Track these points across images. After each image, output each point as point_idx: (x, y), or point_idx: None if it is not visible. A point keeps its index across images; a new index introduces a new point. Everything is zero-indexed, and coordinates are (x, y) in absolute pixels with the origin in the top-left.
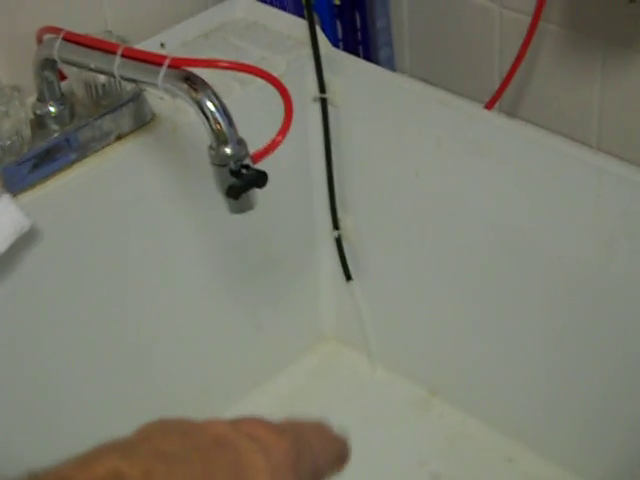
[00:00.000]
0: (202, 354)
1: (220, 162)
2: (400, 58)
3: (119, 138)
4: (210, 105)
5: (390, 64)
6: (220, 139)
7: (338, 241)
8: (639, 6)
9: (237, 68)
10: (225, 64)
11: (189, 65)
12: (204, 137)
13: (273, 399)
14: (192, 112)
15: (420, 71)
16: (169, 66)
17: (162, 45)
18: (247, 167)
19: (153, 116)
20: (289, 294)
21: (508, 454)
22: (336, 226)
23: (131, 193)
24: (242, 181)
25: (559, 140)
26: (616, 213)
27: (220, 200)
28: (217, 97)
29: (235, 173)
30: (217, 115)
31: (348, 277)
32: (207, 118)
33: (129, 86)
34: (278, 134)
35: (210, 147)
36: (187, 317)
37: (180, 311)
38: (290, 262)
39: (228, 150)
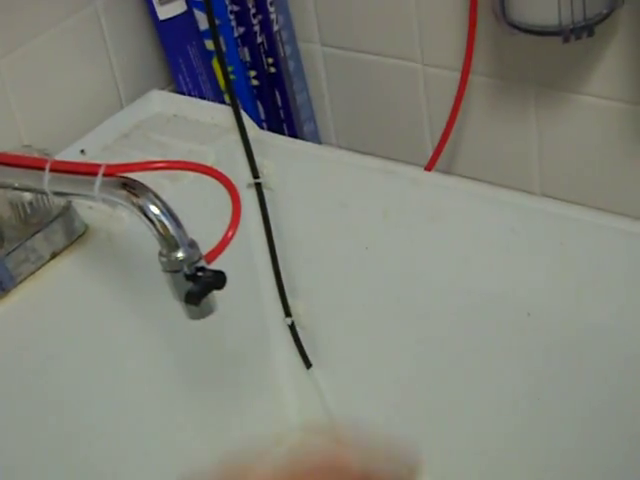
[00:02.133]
0: (165, 462)
1: (173, 268)
2: (324, 131)
3: (54, 256)
4: (154, 209)
5: (315, 138)
6: (170, 244)
7: (292, 328)
8: (568, 46)
9: (175, 167)
10: (161, 165)
11: (124, 171)
12: (141, 242)
13: None
14: (125, 218)
15: (346, 142)
16: (104, 174)
17: (82, 152)
18: (202, 269)
19: (86, 228)
20: (248, 389)
21: None
22: (288, 313)
23: (73, 311)
24: (200, 285)
25: (514, 194)
26: (582, 260)
27: (167, 305)
28: (160, 199)
29: (191, 277)
30: (163, 219)
31: (307, 364)
32: (153, 223)
33: (57, 200)
34: (228, 229)
35: (160, 254)
36: (145, 424)
37: (136, 419)
38: (246, 356)
39: (180, 254)
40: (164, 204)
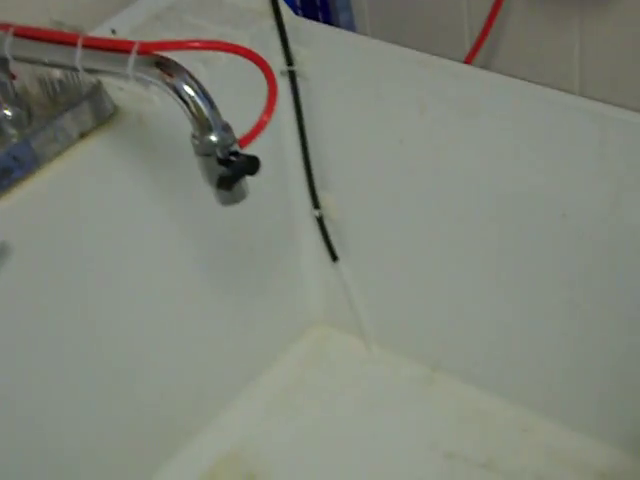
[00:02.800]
0: (192, 353)
1: (206, 151)
2: (360, 21)
3: (82, 136)
4: (188, 90)
5: (350, 28)
6: (204, 126)
7: (320, 221)
8: None
9: (211, 47)
10: (197, 44)
11: (158, 49)
12: (173, 125)
13: (269, 392)
14: (156, 100)
15: (381, 34)
16: (138, 52)
17: (113, 32)
18: (236, 154)
19: (115, 109)
20: (274, 282)
21: (522, 424)
22: (316, 205)
23: (101, 194)
24: (233, 170)
25: (553, 91)
26: (622, 162)
27: (195, 192)
28: (195, 80)
29: (224, 162)
30: (197, 100)
31: (334, 257)
32: (186, 104)
33: (86, 79)
34: (264, 114)
35: (193, 136)
36: (172, 317)
37: (164, 311)
38: (272, 248)
39: (214, 138)
40: (199, 85)
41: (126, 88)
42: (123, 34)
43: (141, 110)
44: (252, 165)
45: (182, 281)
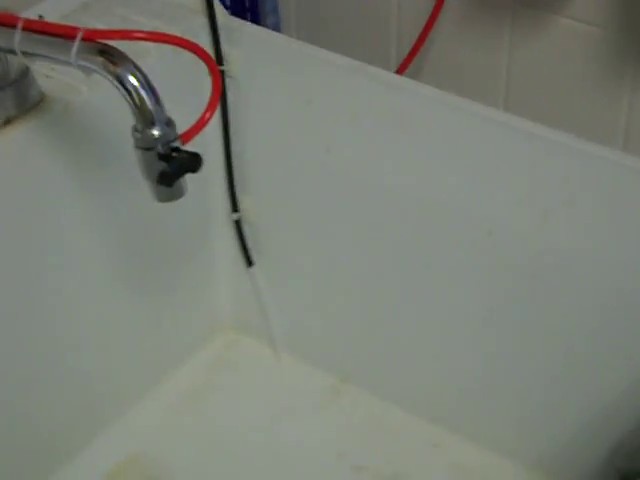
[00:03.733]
0: (98, 351)
1: (147, 145)
2: (286, 25)
3: (7, 123)
4: (133, 80)
5: (277, 31)
6: (147, 119)
7: (238, 224)
8: None
9: (158, 39)
10: (143, 35)
11: (104, 37)
12: (100, 117)
13: (175, 395)
14: (84, 90)
15: (308, 38)
16: (82, 39)
17: (40, 17)
18: (177, 149)
19: (42, 96)
20: (186, 283)
21: (433, 440)
22: (235, 208)
23: (21, 182)
24: (174, 166)
25: (486, 108)
26: (552, 181)
27: (116, 187)
28: (140, 71)
29: (164, 157)
30: (141, 91)
31: (249, 262)
32: (130, 95)
33: (15, 64)
34: (206, 111)
35: (134, 129)
36: (81, 313)
37: (74, 306)
38: (186, 248)
39: (156, 132)
40: (144, 76)
41: (54, 76)
42: (51, 20)
43: (68, 100)
44: (194, 162)
45: (94, 277)
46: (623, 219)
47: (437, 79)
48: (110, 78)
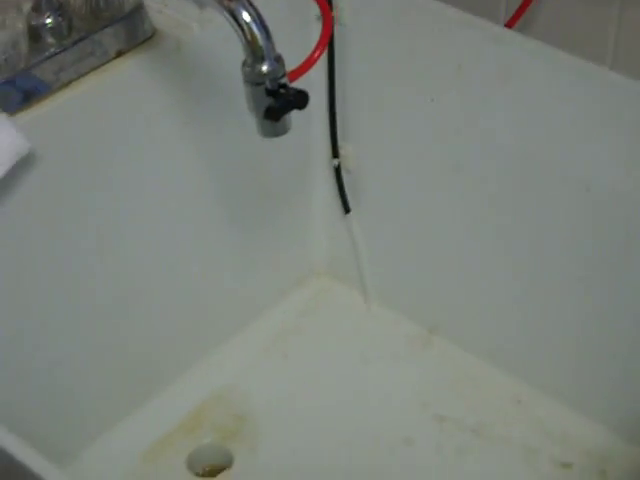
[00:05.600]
0: (192, 287)
1: (256, 80)
2: None
3: (119, 54)
4: (246, 16)
5: None
6: (257, 55)
7: (337, 171)
8: None
9: None
10: None
11: None
12: (210, 55)
13: (265, 336)
14: (195, 27)
15: None
16: None
17: None
18: (285, 86)
19: (154, 32)
20: (283, 227)
21: (517, 395)
22: (335, 154)
23: (130, 113)
24: (281, 102)
25: (590, 65)
26: None
27: (221, 125)
28: (253, 7)
29: (272, 93)
30: (254, 27)
31: (346, 209)
32: (242, 30)
33: None
34: (315, 49)
35: (244, 63)
36: (178, 248)
37: (171, 240)
38: (285, 192)
39: (265, 67)
40: (257, 12)
41: (166, 12)
42: None
43: (179, 36)
44: (301, 99)
45: (193, 213)
46: None
47: (547, 34)
48: (224, 12)
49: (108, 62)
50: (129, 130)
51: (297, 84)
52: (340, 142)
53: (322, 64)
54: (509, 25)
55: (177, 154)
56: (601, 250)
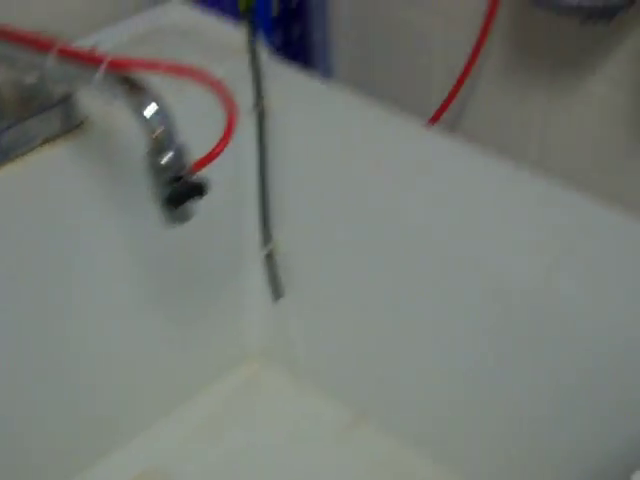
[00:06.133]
0: (124, 369)
1: (157, 170)
2: (338, 70)
3: (46, 142)
4: (150, 109)
5: (328, 76)
6: (158, 146)
7: (269, 257)
8: (587, 30)
9: (179, 72)
10: (166, 67)
11: (128, 67)
12: (138, 143)
13: (196, 418)
14: (125, 116)
15: (359, 83)
16: (107, 67)
17: (95, 46)
18: (186, 176)
19: (84, 119)
20: (216, 310)
21: None
22: (267, 241)
23: (57, 200)
24: (181, 191)
25: (502, 160)
26: (558, 234)
27: (149, 210)
28: (158, 100)
29: (174, 182)
30: (156, 120)
31: (278, 295)
32: (145, 123)
33: (60, 87)
34: (219, 143)
35: (147, 154)
36: (109, 330)
37: (102, 323)
38: (218, 276)
39: (166, 158)
40: (161, 105)
41: (98, 101)
42: (105, 49)
43: (108, 124)
44: (200, 188)
45: (125, 296)
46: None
47: (474, 128)
48: (129, 105)
49: (35, 149)
50: (57, 216)
51: (232, 174)
52: (272, 229)
53: (255, 155)
54: (432, 122)
55: (108, 240)
56: (513, 341)
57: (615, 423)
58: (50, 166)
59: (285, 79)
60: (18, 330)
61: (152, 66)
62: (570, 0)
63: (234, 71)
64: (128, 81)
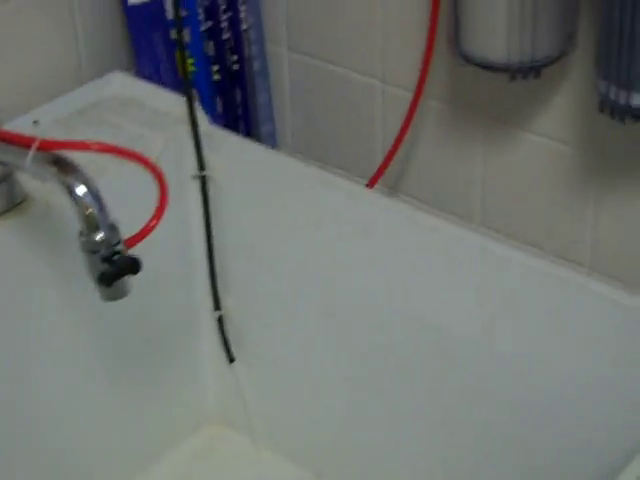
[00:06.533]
0: (81, 438)
1: (91, 249)
2: (282, 133)
3: None
4: (80, 189)
5: (272, 139)
6: (91, 225)
7: (220, 322)
8: (518, 84)
9: (108, 151)
10: (96, 147)
11: (59, 147)
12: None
13: None
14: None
15: (302, 146)
16: (38, 148)
17: (35, 122)
18: (119, 253)
19: (25, 197)
20: (170, 376)
21: None
22: (217, 306)
23: (1, 275)
24: (114, 268)
25: (442, 220)
26: (500, 293)
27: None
28: (88, 181)
29: (107, 260)
30: (87, 200)
31: (231, 359)
32: (77, 203)
33: None
34: (152, 218)
35: (80, 233)
36: (64, 401)
37: (57, 394)
38: (170, 344)
39: (99, 236)
40: (91, 185)
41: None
42: (45, 126)
43: (49, 201)
44: (133, 265)
45: (80, 368)
46: (567, 331)
47: (414, 188)
48: (60, 185)
49: None
50: (2, 290)
51: (178, 243)
52: (222, 294)
53: (200, 222)
54: (370, 185)
55: (56, 311)
56: (459, 394)
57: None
58: None
59: (226, 146)
60: None
61: (82, 146)
62: (499, 57)
63: (175, 140)
64: (58, 162)
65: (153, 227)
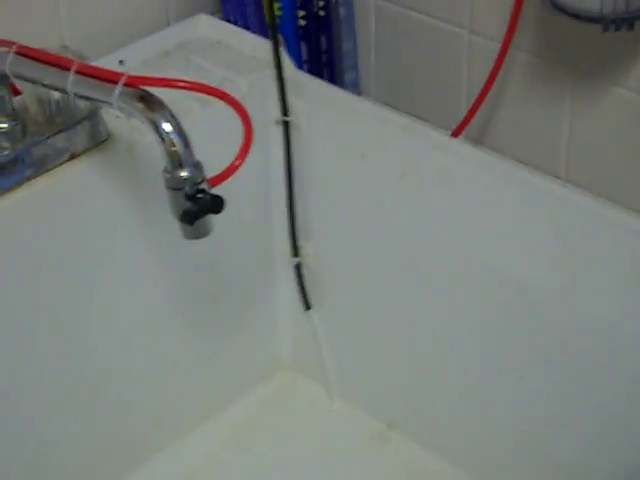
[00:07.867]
0: (155, 381)
1: (175, 186)
2: (365, 82)
3: (73, 157)
4: (166, 126)
5: (355, 88)
6: (175, 162)
7: (297, 269)
8: (611, 37)
9: (195, 89)
10: (183, 84)
11: (146, 84)
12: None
13: (226, 429)
14: (149, 132)
15: (385, 95)
16: (125, 84)
17: (121, 62)
18: (203, 191)
19: (109, 135)
20: (245, 322)
21: None
22: (296, 253)
23: (84, 213)
24: (197, 206)
25: (526, 172)
26: (582, 247)
27: (176, 224)
28: (174, 118)
29: (190, 197)
30: (173, 137)
31: (307, 306)
32: (162, 140)
33: (85, 104)
34: (237, 158)
35: (165, 170)
36: (140, 342)
37: (133, 336)
38: (247, 289)
39: (183, 173)
40: (177, 123)
41: (122, 117)
42: (131, 65)
43: (133, 140)
44: (217, 204)
45: (156, 309)
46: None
47: (499, 141)
48: (146, 122)
49: (61, 165)
50: (83, 230)
51: (258, 187)
52: (300, 241)
53: (281, 168)
54: (455, 134)
55: (136, 254)
56: (537, 348)
57: (618, 423)
58: (77, 181)
59: (311, 91)
60: (45, 346)
61: (169, 83)
62: (592, 6)
63: (260, 84)
64: (145, 99)
65: (237, 167)
